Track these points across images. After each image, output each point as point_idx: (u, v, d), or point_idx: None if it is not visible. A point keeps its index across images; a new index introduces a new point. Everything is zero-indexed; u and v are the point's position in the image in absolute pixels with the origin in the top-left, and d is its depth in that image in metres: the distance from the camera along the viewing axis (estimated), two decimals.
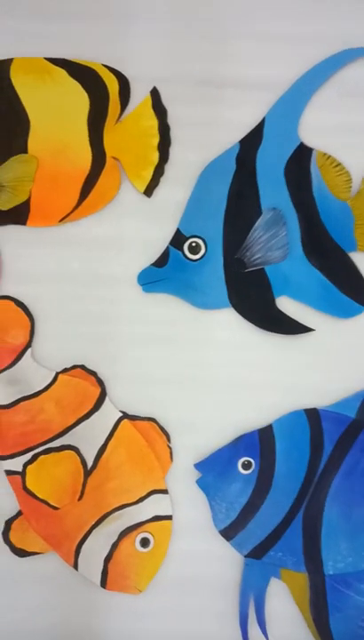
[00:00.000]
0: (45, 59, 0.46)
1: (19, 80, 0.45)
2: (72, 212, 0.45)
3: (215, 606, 0.44)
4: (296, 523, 0.44)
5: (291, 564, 0.44)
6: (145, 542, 0.43)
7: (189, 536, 0.44)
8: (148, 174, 0.46)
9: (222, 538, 0.44)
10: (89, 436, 0.44)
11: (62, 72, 0.46)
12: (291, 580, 0.44)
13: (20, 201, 0.45)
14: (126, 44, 0.46)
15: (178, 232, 0.46)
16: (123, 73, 0.46)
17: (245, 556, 0.44)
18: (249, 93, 0.46)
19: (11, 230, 0.45)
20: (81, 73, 0.46)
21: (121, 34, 0.46)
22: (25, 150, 0.45)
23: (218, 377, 0.45)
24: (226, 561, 0.44)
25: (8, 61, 0.46)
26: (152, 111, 0.46)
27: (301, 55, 0.46)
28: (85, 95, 0.46)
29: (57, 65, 0.46)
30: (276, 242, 0.45)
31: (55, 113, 0.45)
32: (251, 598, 0.44)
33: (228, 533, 0.44)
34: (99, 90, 0.46)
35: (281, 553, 0.44)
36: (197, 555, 0.44)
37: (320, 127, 0.46)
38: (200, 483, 0.44)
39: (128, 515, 0.43)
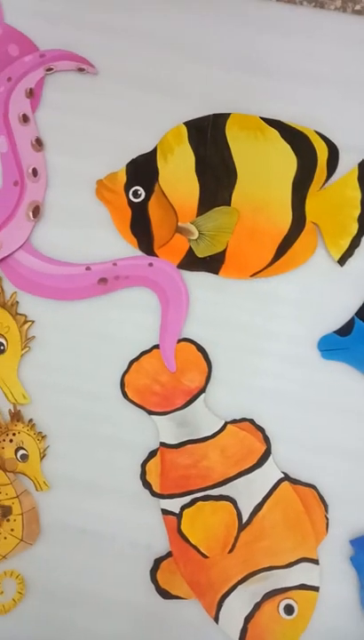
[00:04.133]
0: (260, 118, 0.48)
1: (233, 134, 0.47)
2: (264, 268, 0.46)
3: None
4: None
5: None
6: (289, 609, 0.43)
7: (333, 612, 0.43)
8: (345, 244, 0.46)
9: None
10: (248, 491, 0.44)
11: (275, 132, 0.47)
12: None
13: (217, 251, 0.46)
14: (340, 114, 0.47)
15: None
16: (334, 142, 0.47)
17: None
18: None
19: (203, 277, 0.46)
20: (293, 136, 0.47)
21: (337, 102, 0.47)
22: (228, 202, 0.47)
23: None
24: None
25: (225, 115, 0.47)
26: (357, 183, 0.47)
27: None
28: (294, 158, 0.47)
29: (270, 125, 0.47)
30: None
31: (262, 171, 0.47)
32: None
33: None
34: (309, 155, 0.47)
35: None
36: (338, 633, 0.43)
37: None
38: (353, 560, 0.43)
39: (275, 577, 0.43)
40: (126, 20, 0.48)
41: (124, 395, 0.46)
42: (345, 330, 0.46)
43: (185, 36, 0.48)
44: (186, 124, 0.47)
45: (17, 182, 0.47)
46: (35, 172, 0.47)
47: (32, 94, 0.48)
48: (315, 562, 0.44)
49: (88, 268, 0.47)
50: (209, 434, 0.45)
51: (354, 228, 0.47)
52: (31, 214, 0.47)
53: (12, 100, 0.48)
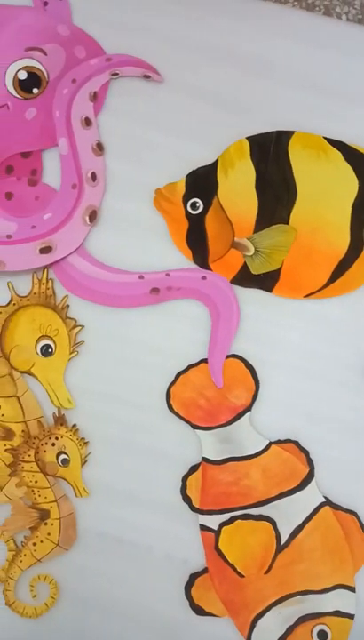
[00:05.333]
0: (324, 138, 0.47)
1: (295, 153, 0.47)
2: (319, 290, 0.46)
3: None
4: None
5: None
6: (322, 635, 0.42)
7: None
8: None
9: None
10: (288, 513, 0.44)
11: (338, 154, 0.47)
12: None
13: (272, 268, 0.46)
14: None
15: None
16: None
17: None
18: None
19: (256, 294, 0.46)
20: (356, 158, 0.46)
21: None
22: (286, 221, 0.46)
23: None
24: None
25: (289, 133, 0.47)
26: None
27: None
28: (356, 181, 0.46)
29: (334, 146, 0.47)
30: None
31: (323, 191, 0.46)
32: None
33: None
34: None
35: None
36: None
37: None
38: None
39: (310, 602, 0.43)
40: (195, 33, 0.48)
41: (169, 407, 0.45)
42: None
43: (253, 53, 0.48)
44: (249, 139, 0.47)
45: (75, 185, 0.47)
46: (93, 177, 0.47)
47: (95, 98, 0.48)
48: (352, 589, 0.43)
49: (141, 277, 0.47)
50: (253, 452, 0.45)
51: None
52: (88, 218, 0.47)
53: (76, 102, 0.48)
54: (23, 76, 0.48)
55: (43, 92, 0.48)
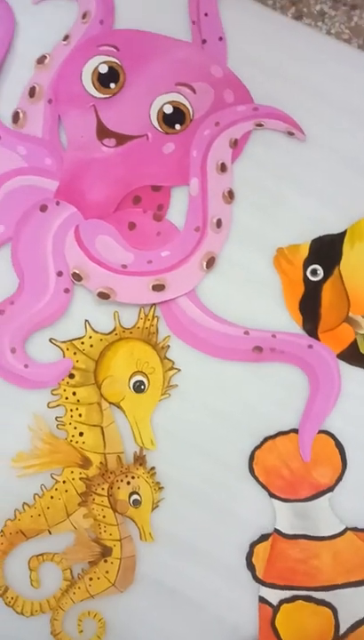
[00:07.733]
0: None
1: None
2: None
3: None
4: None
5: None
6: None
7: None
8: None
9: None
10: (351, 604, 0.42)
11: None
12: None
13: None
14: None
15: None
16: None
17: None
18: None
19: (361, 373, 0.45)
20: None
21: None
22: None
23: None
24: None
25: None
26: None
27: None
28: None
29: None
30: None
31: None
32: None
33: None
34: None
35: None
36: None
37: None
38: None
39: None
40: (348, 94, 0.47)
41: (250, 469, 0.44)
42: None
43: None
44: None
45: (199, 228, 0.46)
46: (219, 223, 0.46)
47: (236, 145, 0.48)
48: None
49: (246, 333, 0.46)
50: (327, 534, 0.43)
51: None
52: (205, 264, 0.46)
53: (215, 145, 0.47)
54: (169, 110, 0.47)
55: (185, 130, 0.48)
